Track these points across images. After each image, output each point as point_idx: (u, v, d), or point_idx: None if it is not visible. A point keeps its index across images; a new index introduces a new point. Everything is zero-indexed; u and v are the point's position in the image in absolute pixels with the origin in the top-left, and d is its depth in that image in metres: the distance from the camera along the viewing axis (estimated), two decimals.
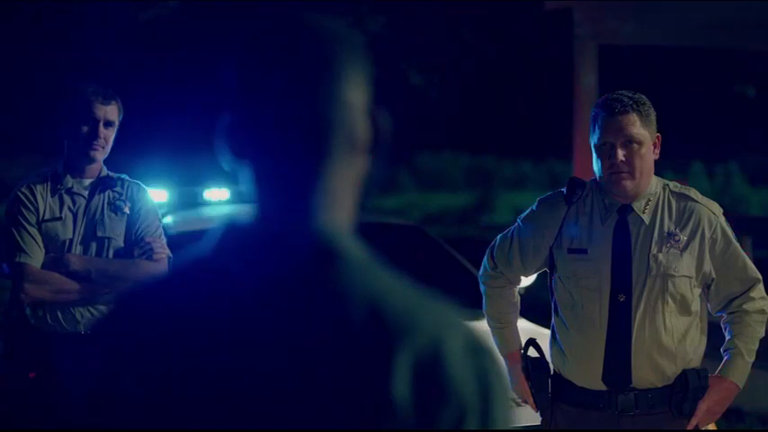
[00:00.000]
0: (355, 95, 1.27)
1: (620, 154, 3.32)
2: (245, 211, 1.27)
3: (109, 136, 3.90)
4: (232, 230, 1.26)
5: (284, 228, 1.24)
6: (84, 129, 3.85)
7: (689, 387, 3.38)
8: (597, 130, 3.36)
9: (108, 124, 3.89)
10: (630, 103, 3.36)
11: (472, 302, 3.77)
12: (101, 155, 3.92)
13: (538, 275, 3.89)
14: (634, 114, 3.34)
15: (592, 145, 3.40)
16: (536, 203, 3.58)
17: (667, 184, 3.49)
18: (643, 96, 3.41)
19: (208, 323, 1.20)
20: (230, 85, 1.27)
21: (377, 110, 1.29)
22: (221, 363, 1.19)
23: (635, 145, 3.34)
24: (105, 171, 3.99)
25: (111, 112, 3.89)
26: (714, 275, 3.43)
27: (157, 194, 6.18)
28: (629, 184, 3.35)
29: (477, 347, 1.21)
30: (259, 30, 1.27)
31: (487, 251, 3.65)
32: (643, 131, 3.35)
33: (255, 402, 1.17)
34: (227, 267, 1.23)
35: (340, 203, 1.26)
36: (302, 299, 1.19)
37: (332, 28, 1.28)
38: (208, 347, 1.19)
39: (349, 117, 1.26)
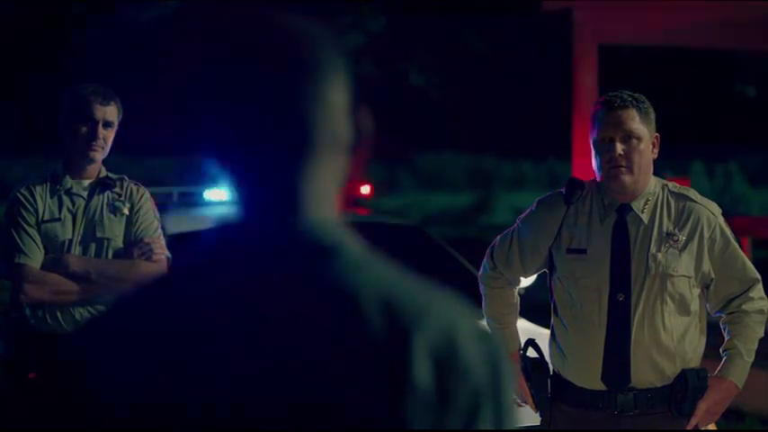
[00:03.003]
0: (336, 94, 1.27)
1: (619, 148, 3.33)
2: (233, 212, 1.27)
3: (108, 136, 3.90)
4: (223, 231, 1.26)
5: (274, 227, 1.24)
6: (84, 129, 3.85)
7: (688, 387, 3.38)
8: (597, 126, 3.38)
9: (107, 125, 3.89)
10: (630, 99, 3.37)
11: (472, 302, 3.77)
12: (100, 155, 3.92)
13: (537, 276, 3.89)
14: (633, 110, 3.36)
15: (591, 142, 3.40)
16: (535, 204, 3.58)
17: (666, 185, 3.49)
18: (642, 96, 3.43)
19: (214, 324, 1.20)
20: (211, 86, 1.27)
21: (358, 108, 1.30)
22: (233, 364, 1.19)
23: (634, 140, 3.34)
24: (104, 172, 3.99)
25: (111, 112, 3.89)
26: (713, 275, 3.43)
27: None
28: (627, 179, 3.36)
29: (484, 333, 1.24)
30: (238, 30, 1.27)
31: (487, 252, 3.65)
32: (642, 128, 3.36)
33: (270, 403, 1.17)
34: (227, 269, 1.23)
35: (325, 202, 1.27)
36: (310, 296, 1.20)
37: (310, 28, 1.28)
38: (215, 348, 1.19)
39: (331, 116, 1.27)
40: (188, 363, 1.19)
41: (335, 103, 1.27)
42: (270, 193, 1.26)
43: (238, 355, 1.19)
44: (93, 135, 3.85)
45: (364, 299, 1.19)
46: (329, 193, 1.28)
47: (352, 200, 6.58)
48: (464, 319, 1.23)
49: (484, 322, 3.61)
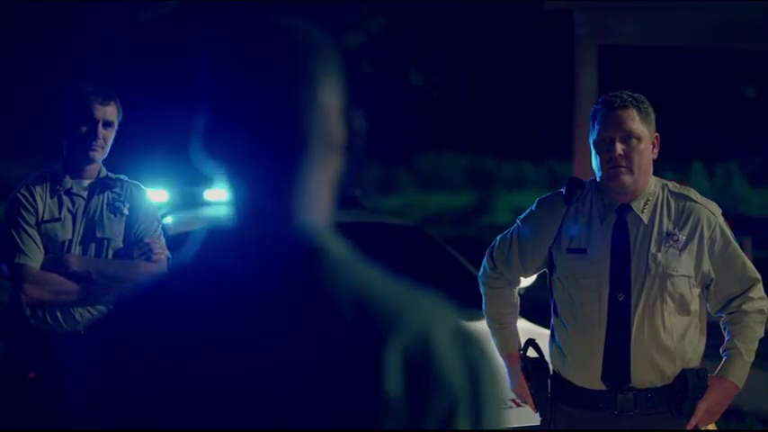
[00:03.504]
0: (329, 96, 1.27)
1: (619, 148, 3.33)
2: (225, 214, 1.27)
3: (108, 136, 3.90)
4: (214, 233, 1.26)
5: (265, 229, 1.24)
6: (83, 129, 3.85)
7: (688, 387, 3.38)
8: (597, 126, 3.38)
9: (107, 125, 3.89)
10: (630, 99, 3.37)
11: (472, 302, 3.77)
12: (99, 155, 3.92)
13: (537, 276, 3.89)
14: (633, 110, 3.36)
15: (591, 142, 3.40)
16: (535, 204, 3.58)
17: (666, 184, 3.49)
18: (642, 96, 3.43)
19: (198, 325, 1.21)
20: (205, 87, 1.28)
21: (352, 110, 1.29)
22: (212, 364, 1.19)
23: (634, 140, 3.34)
24: (104, 172, 3.99)
25: (111, 112, 3.89)
26: (713, 275, 3.43)
27: (157, 195, 6.19)
28: (627, 179, 3.36)
29: (464, 336, 1.22)
30: (233, 32, 1.28)
31: (487, 252, 3.65)
32: (642, 128, 3.36)
33: (250, 401, 1.18)
34: (212, 269, 1.23)
35: (317, 203, 1.27)
36: (289, 298, 1.20)
37: (304, 29, 1.28)
38: (199, 349, 1.20)
39: (324, 118, 1.27)
40: (177, 364, 1.20)
41: (328, 105, 1.27)
42: (261, 194, 1.26)
43: (218, 356, 1.19)
44: (92, 135, 3.85)
45: (342, 302, 1.19)
46: (321, 194, 1.28)
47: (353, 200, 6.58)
48: (442, 323, 1.21)
49: (479, 324, 3.61)
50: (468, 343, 1.22)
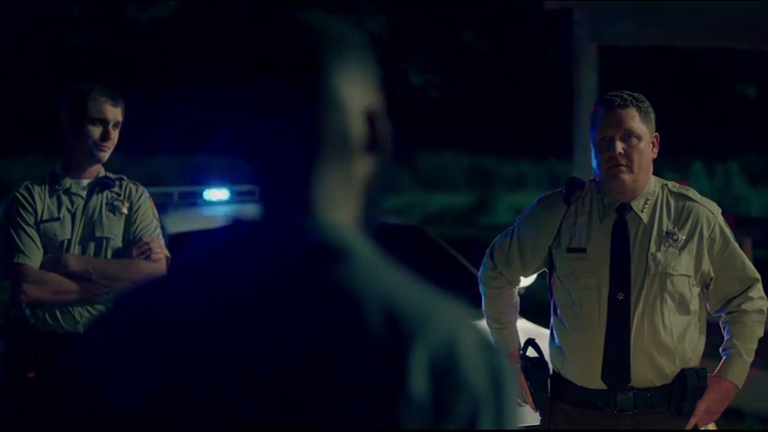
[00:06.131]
0: (349, 95, 1.25)
1: (619, 147, 3.33)
2: (250, 210, 1.27)
3: (116, 137, 3.92)
4: (237, 229, 1.26)
5: (287, 227, 1.24)
6: (96, 130, 3.85)
7: (688, 386, 3.39)
8: (597, 125, 3.38)
9: (116, 125, 3.90)
10: (630, 98, 3.38)
11: (472, 302, 3.77)
12: (107, 156, 3.93)
13: (537, 275, 3.89)
14: (633, 109, 3.36)
15: (591, 141, 3.40)
16: (535, 203, 3.58)
17: (666, 184, 3.49)
18: (642, 95, 3.43)
19: (215, 322, 1.20)
20: (224, 86, 1.27)
21: (375, 110, 1.28)
22: (229, 363, 1.18)
23: (634, 139, 3.35)
24: (103, 171, 3.99)
25: (120, 113, 3.91)
26: (713, 275, 3.43)
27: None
28: (627, 177, 3.36)
29: (488, 344, 1.22)
30: (251, 29, 1.27)
31: (487, 251, 3.65)
32: (642, 126, 3.36)
33: (267, 400, 1.17)
34: (233, 266, 1.23)
35: (340, 204, 1.26)
36: (313, 298, 1.19)
37: (326, 26, 1.27)
38: (214, 347, 1.19)
39: (341, 118, 1.25)
40: (190, 361, 1.19)
41: (347, 104, 1.25)
42: (283, 192, 1.25)
43: (239, 354, 1.18)
44: (105, 136, 3.86)
45: (367, 304, 1.18)
46: (344, 194, 1.26)
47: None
48: (467, 329, 1.21)
49: (484, 322, 3.62)
50: (492, 352, 1.22)
